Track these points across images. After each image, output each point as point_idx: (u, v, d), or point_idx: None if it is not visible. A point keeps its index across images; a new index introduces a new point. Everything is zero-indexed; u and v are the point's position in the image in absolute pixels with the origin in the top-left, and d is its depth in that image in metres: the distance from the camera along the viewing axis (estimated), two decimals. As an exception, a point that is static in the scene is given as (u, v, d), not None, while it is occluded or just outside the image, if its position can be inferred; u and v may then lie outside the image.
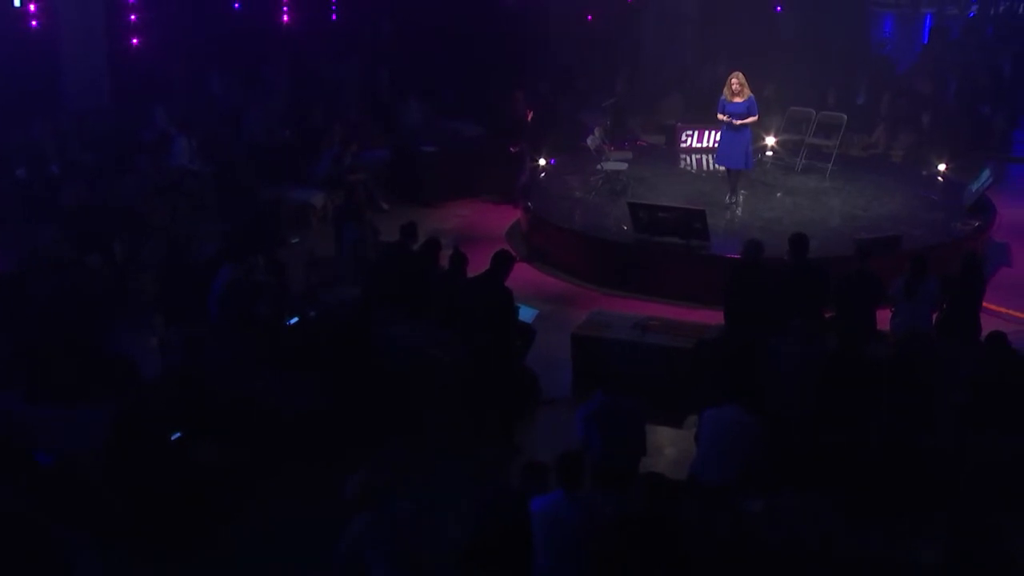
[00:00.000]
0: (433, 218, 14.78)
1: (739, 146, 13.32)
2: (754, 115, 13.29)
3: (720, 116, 13.32)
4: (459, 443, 8.85)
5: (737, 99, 13.14)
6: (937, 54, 21.66)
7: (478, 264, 9.89)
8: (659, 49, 20.61)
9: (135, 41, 16.42)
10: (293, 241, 13.50)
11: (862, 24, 23.77)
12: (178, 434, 8.02)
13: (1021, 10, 28.06)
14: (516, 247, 13.76)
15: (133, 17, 16.39)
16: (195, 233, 12.22)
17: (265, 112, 16.50)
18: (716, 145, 14.62)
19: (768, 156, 15.88)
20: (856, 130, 17.08)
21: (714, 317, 10.32)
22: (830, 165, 15.20)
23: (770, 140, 16.00)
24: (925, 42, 24.89)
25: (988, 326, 9.35)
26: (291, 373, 9.01)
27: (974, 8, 29.55)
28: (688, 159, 16.33)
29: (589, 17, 21.78)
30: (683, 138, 16.69)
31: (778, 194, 14.40)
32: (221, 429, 8.29)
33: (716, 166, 14.55)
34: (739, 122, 13.17)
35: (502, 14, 20.28)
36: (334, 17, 20.10)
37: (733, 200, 13.61)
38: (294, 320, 9.92)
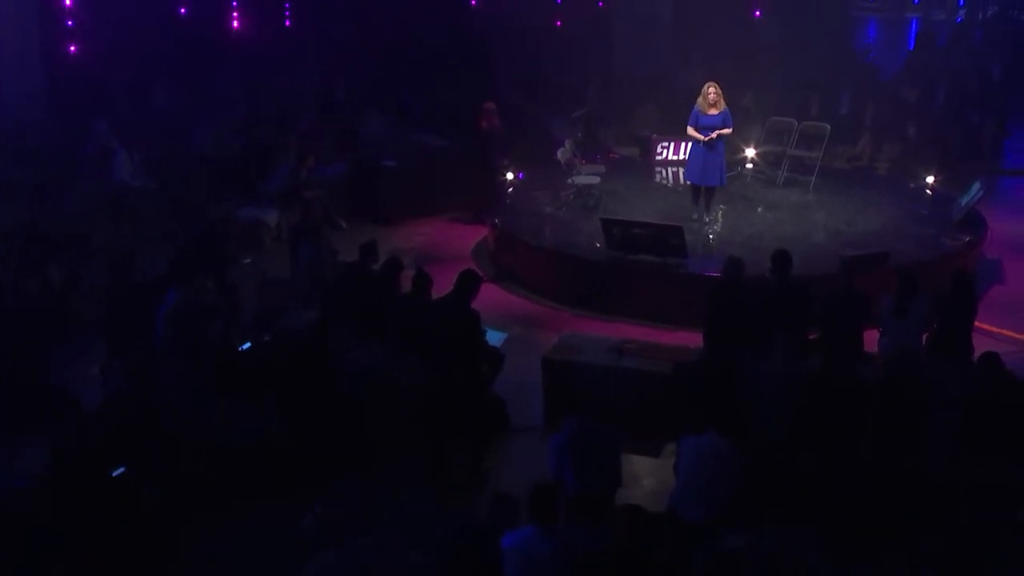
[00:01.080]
0: (395, 237, 14.79)
1: (715, 161, 13.36)
2: (729, 127, 13.34)
3: (691, 130, 13.26)
4: (423, 474, 8.84)
5: (712, 111, 13.16)
6: (924, 60, 21.93)
7: (442, 285, 9.87)
8: (632, 56, 20.72)
9: (73, 48, 16.32)
10: (245, 261, 13.47)
11: (845, 29, 24.05)
12: (122, 468, 7.96)
13: (1011, 14, 28.44)
14: (483, 266, 13.78)
15: (70, 23, 16.29)
16: (140, 253, 12.16)
17: (214, 124, 16.46)
18: (686, 159, 14.59)
19: (748, 169, 16.01)
20: (840, 141, 17.25)
21: (693, 339, 10.36)
22: (813, 178, 15.34)
23: (750, 152, 16.13)
24: (911, 48, 25.25)
25: (981, 346, 9.48)
26: (244, 401, 8.98)
27: (962, 12, 29.98)
28: (664, 172, 16.43)
29: (558, 23, 21.92)
30: (659, 150, 16.78)
31: (759, 209, 14.52)
32: (168, 461, 8.24)
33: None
34: (716, 134, 13.23)
35: (468, 20, 20.39)
36: (288, 23, 20.09)
37: (708, 218, 13.67)
38: (246, 345, 9.88)
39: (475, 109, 15.78)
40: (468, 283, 9.23)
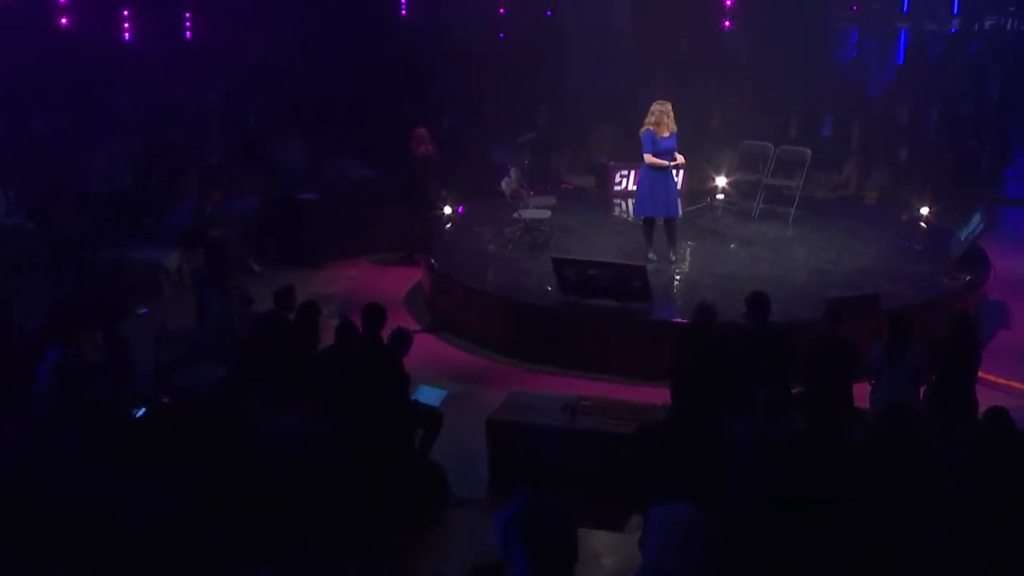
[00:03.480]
0: (316, 281, 14.78)
1: (670, 189, 13.52)
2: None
3: (651, 159, 13.31)
4: (351, 555, 8.78)
5: (664, 133, 13.28)
6: (914, 76, 22.27)
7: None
8: (586, 72, 20.91)
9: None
10: (141, 312, 13.39)
11: (825, 41, 24.38)
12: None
13: (1010, 25, 28.95)
14: (417, 315, 13.78)
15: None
16: (15, 303, 12.00)
17: (104, 152, 16.33)
18: (635, 189, 14.60)
19: (719, 200, 16.18)
20: (822, 167, 17.50)
21: (659, 395, 10.41)
22: (793, 210, 15.55)
23: (721, 181, 16.31)
24: (900, 62, 25.65)
25: (986, 401, 9.58)
26: (140, 474, 8.87)
27: (956, 22, 30.49)
28: (624, 204, 16.53)
29: (501, 35, 22.07)
30: (617, 179, 16.93)
31: (732, 245, 14.68)
32: (49, 545, 8.11)
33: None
34: (680, 159, 13.41)
35: (397, 33, 20.48)
36: (189, 35, 20.03)
37: (673, 256, 13.75)
38: (142, 410, 9.77)
39: (407, 134, 15.81)
40: (400, 339, 9.25)
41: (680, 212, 13.82)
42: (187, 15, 19.92)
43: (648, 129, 13.29)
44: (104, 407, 9.72)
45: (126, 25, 19.14)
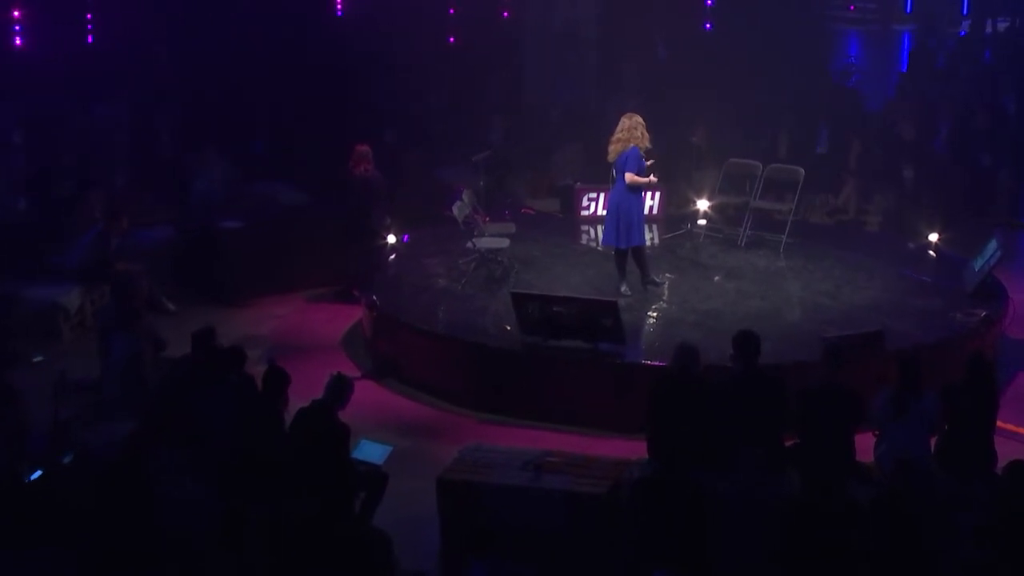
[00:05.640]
0: (240, 321, 14.71)
1: (637, 213, 13.66)
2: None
3: (633, 177, 13.39)
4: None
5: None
6: (920, 86, 22.47)
7: (303, 385, 9.82)
8: (549, 82, 21.00)
9: None
10: (36, 359, 13.32)
11: (820, 45, 24.57)
12: None
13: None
14: (357, 359, 13.74)
15: None
16: None
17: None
18: (604, 215, 14.67)
19: (700, 226, 16.22)
20: (817, 188, 17.62)
21: (634, 449, 10.41)
22: (784, 237, 15.63)
23: (702, 204, 16.35)
24: (903, 70, 25.90)
25: (1005, 454, 9.62)
26: (33, 548, 8.76)
27: (965, 24, 30.75)
28: (592, 232, 16.59)
29: (451, 39, 22.12)
30: (585, 203, 16.97)
31: (716, 278, 14.74)
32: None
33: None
34: (649, 180, 13.55)
35: (332, 36, 20.46)
36: (91, 39, 19.94)
37: (649, 289, 13.82)
38: (36, 473, 9.68)
39: (345, 152, 15.78)
40: (337, 388, 9.22)
41: (647, 240, 13.89)
42: (89, 16, 19.81)
43: (634, 146, 13.44)
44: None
45: (17, 28, 19.01)
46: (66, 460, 9.90)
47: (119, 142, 18.18)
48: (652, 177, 13.58)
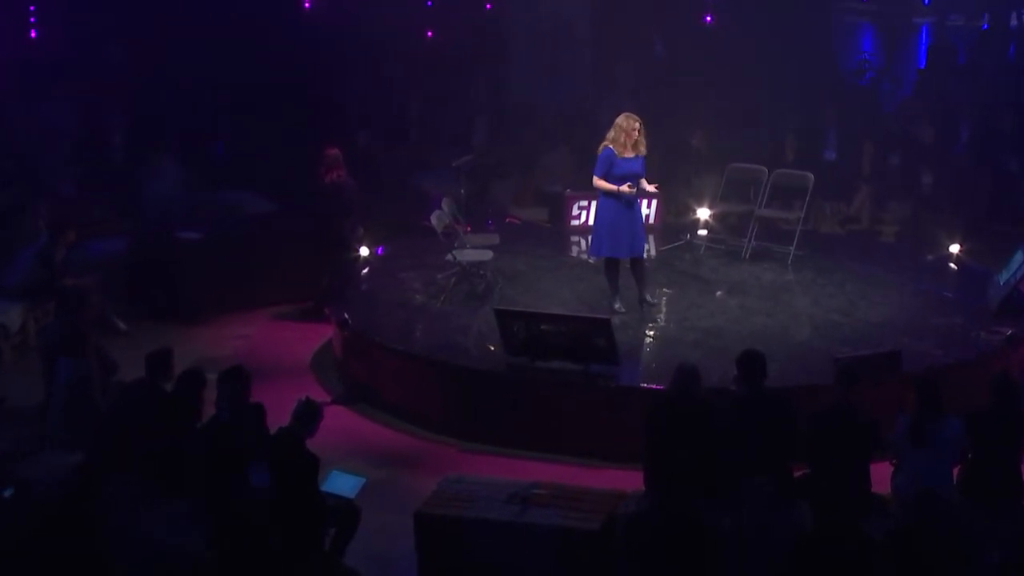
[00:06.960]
0: (199, 342, 14.71)
1: (634, 223, 13.59)
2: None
3: (601, 182, 13.33)
4: None
5: (628, 154, 13.35)
6: (939, 85, 22.52)
7: (269, 411, 9.77)
8: (536, 82, 21.01)
9: None
10: (-28, 384, 13.25)
11: (830, 40, 24.61)
12: None
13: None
14: (327, 383, 13.72)
15: None
16: None
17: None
18: (592, 225, 14.59)
19: (701, 237, 16.25)
20: (828, 195, 17.65)
21: (629, 480, 10.40)
22: (792, 248, 15.67)
23: (703, 213, 16.38)
24: (921, 67, 25.98)
25: (1032, 483, 9.66)
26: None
27: (987, 17, 30.83)
28: (583, 243, 16.60)
29: (430, 33, 22.14)
30: (575, 212, 17.03)
31: (718, 293, 14.77)
32: None
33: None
34: (645, 185, 13.47)
35: (299, 32, 20.46)
36: (34, 33, 19.92)
37: (645, 306, 13.82)
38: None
39: (314, 157, 15.76)
40: (306, 415, 9.19)
41: (646, 253, 13.86)
42: (32, 9, 19.77)
43: (607, 147, 13.37)
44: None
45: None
46: (6, 494, 9.86)
47: (65, 146, 18.13)
48: (632, 188, 13.35)
